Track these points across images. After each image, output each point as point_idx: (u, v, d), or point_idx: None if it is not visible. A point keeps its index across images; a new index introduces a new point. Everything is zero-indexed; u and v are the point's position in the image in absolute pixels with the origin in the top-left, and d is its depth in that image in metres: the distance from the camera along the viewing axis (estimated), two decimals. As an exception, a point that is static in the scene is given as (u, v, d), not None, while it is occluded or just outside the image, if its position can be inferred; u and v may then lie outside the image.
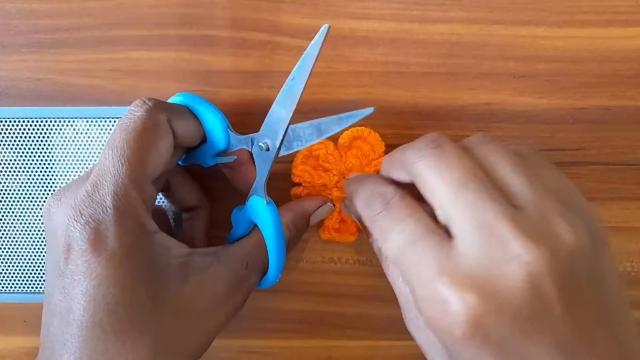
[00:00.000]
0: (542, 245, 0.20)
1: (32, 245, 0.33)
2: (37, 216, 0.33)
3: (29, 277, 0.34)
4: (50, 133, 0.32)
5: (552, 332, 0.20)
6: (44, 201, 0.33)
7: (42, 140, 0.32)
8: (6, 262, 0.34)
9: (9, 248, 0.33)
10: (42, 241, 0.33)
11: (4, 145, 0.32)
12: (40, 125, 0.32)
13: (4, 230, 0.33)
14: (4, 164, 0.32)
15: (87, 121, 0.32)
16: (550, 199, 0.21)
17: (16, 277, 0.34)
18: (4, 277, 0.34)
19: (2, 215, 0.33)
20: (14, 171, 0.32)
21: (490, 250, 0.20)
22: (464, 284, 0.20)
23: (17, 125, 0.32)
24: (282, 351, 0.35)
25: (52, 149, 0.32)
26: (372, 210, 0.24)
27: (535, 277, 0.20)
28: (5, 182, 0.32)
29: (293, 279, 0.34)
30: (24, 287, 0.34)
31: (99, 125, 0.32)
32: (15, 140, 0.32)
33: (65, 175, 0.32)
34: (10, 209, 0.33)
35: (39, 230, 0.33)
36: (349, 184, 0.28)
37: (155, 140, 0.25)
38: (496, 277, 0.20)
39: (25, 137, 0.32)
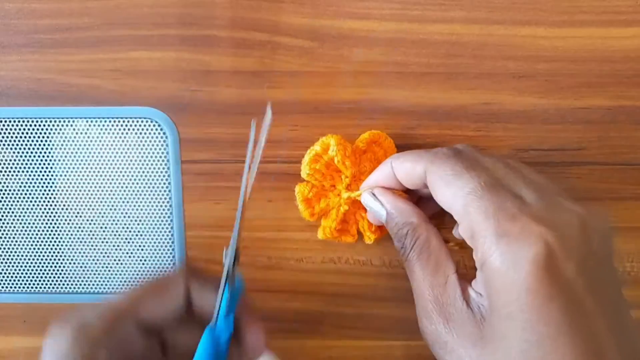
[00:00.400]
0: (583, 209, 0.24)
1: (32, 245, 0.33)
2: (37, 216, 0.33)
3: (29, 277, 0.34)
4: (50, 133, 0.32)
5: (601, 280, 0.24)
6: (44, 201, 0.33)
7: (42, 141, 0.32)
8: (6, 262, 0.34)
9: (9, 248, 0.34)
10: (42, 241, 0.33)
11: (4, 145, 0.32)
12: (40, 125, 0.32)
13: (4, 230, 0.33)
14: (4, 164, 0.32)
15: (87, 121, 0.32)
16: (554, 192, 0.26)
17: (16, 277, 0.34)
18: (4, 277, 0.34)
19: (2, 215, 0.33)
20: (14, 171, 0.32)
21: (552, 206, 0.24)
22: (541, 221, 0.23)
23: (17, 126, 0.32)
24: (282, 351, 0.35)
25: (52, 149, 0.32)
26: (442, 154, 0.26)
27: (586, 224, 0.24)
28: (5, 182, 0.32)
29: (293, 279, 0.34)
30: (24, 287, 0.34)
31: (98, 126, 0.32)
32: (15, 141, 0.32)
33: (65, 176, 0.32)
34: (10, 209, 0.33)
35: (39, 230, 0.33)
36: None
37: (162, 291, 0.26)
38: (561, 223, 0.23)
39: (25, 137, 0.32)
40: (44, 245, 0.33)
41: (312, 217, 0.31)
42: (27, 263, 0.34)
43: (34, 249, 0.33)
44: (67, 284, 0.34)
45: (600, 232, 0.24)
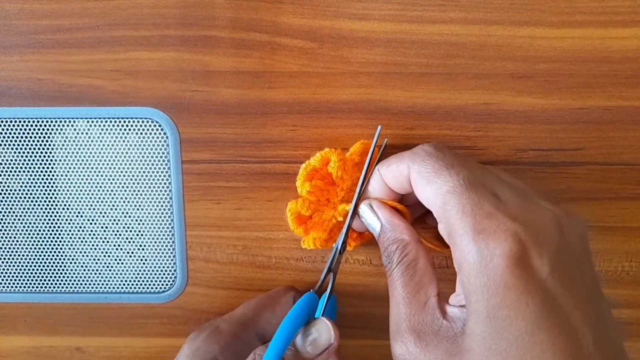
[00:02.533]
0: (559, 209, 0.25)
1: (33, 245, 0.34)
2: (38, 216, 0.33)
3: (30, 276, 0.34)
4: (50, 133, 0.32)
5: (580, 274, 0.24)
6: (45, 201, 0.33)
7: (42, 141, 0.32)
8: (7, 262, 0.34)
9: (10, 248, 0.34)
10: (43, 241, 0.33)
11: (5, 145, 0.32)
12: (41, 126, 0.32)
13: (5, 230, 0.33)
14: (5, 164, 0.32)
15: (88, 121, 0.32)
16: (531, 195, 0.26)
17: (17, 276, 0.34)
18: (5, 276, 0.34)
19: (4, 215, 0.33)
20: (15, 171, 0.32)
21: (527, 204, 0.24)
22: (516, 218, 0.23)
23: (18, 126, 0.32)
24: (282, 351, 0.35)
25: (52, 149, 0.32)
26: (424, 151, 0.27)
27: (561, 222, 0.24)
28: (6, 183, 0.33)
29: (293, 278, 0.34)
30: (25, 287, 0.34)
31: (99, 126, 0.32)
32: (16, 141, 0.32)
33: (66, 176, 0.32)
34: (11, 209, 0.33)
35: (40, 230, 0.33)
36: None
37: (275, 303, 0.32)
38: (536, 221, 0.24)
39: (26, 137, 0.32)
40: (45, 245, 0.34)
41: (306, 234, 0.31)
42: (28, 263, 0.34)
43: (35, 248, 0.34)
44: (68, 284, 0.34)
45: (575, 230, 0.25)
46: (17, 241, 0.33)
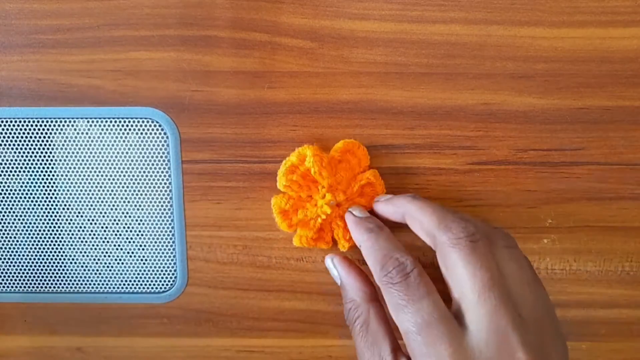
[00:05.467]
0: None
1: (33, 244, 0.34)
2: (38, 216, 0.33)
3: (30, 276, 0.34)
4: (51, 133, 0.32)
5: None
6: (45, 201, 0.33)
7: (43, 141, 0.32)
8: (7, 262, 0.34)
9: (10, 248, 0.34)
10: (43, 241, 0.33)
11: (5, 145, 0.32)
12: (41, 126, 0.32)
13: (5, 230, 0.33)
14: (5, 164, 0.32)
15: (88, 121, 0.32)
16: (547, 317, 0.26)
17: (17, 276, 0.34)
18: (5, 276, 0.34)
19: (3, 215, 0.33)
20: (15, 171, 0.32)
21: (500, 354, 0.23)
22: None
23: (18, 126, 0.32)
24: (282, 351, 0.35)
25: (53, 149, 0.32)
26: (389, 278, 0.26)
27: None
28: (6, 182, 0.33)
29: (293, 279, 0.34)
30: (25, 287, 0.34)
31: (99, 126, 0.32)
32: (16, 141, 0.32)
33: (66, 176, 0.32)
34: (11, 209, 0.33)
35: (40, 230, 0.33)
36: (356, 225, 0.30)
37: None
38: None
39: (26, 137, 0.32)
40: (45, 245, 0.33)
41: (290, 229, 0.32)
42: (28, 263, 0.34)
43: (35, 248, 0.34)
44: (68, 284, 0.34)
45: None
46: (17, 241, 0.33)
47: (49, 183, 0.33)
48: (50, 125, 0.32)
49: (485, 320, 0.24)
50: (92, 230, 0.33)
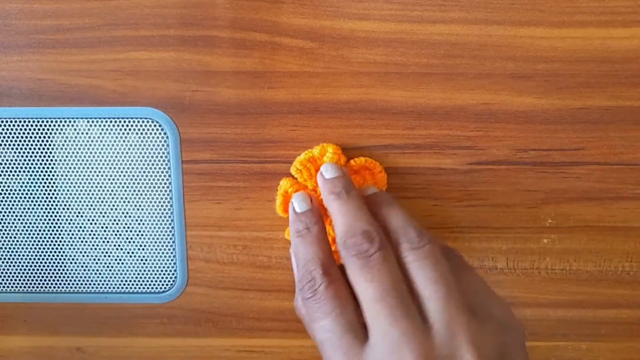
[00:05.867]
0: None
1: (33, 245, 0.34)
2: (38, 216, 0.33)
3: (30, 276, 0.34)
4: (51, 133, 0.32)
5: None
6: (45, 201, 0.33)
7: (43, 141, 0.32)
8: (7, 262, 0.34)
9: (10, 248, 0.34)
10: (43, 241, 0.33)
11: (5, 145, 0.32)
12: (41, 126, 0.32)
13: (5, 230, 0.33)
14: (5, 164, 0.32)
15: (88, 121, 0.32)
16: (461, 317, 0.24)
17: (17, 276, 0.34)
18: (5, 276, 0.34)
19: (4, 215, 0.33)
20: (15, 171, 0.32)
21: None
22: None
23: (18, 126, 0.32)
24: (282, 351, 0.35)
25: (53, 149, 0.32)
26: (303, 292, 0.26)
27: None
28: (6, 182, 0.33)
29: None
30: (25, 287, 0.34)
31: (100, 126, 0.32)
32: (16, 141, 0.32)
33: (66, 176, 0.32)
34: (11, 209, 0.33)
35: (40, 230, 0.33)
36: (293, 221, 0.30)
37: None
38: None
39: (26, 137, 0.32)
40: (45, 245, 0.34)
41: (285, 214, 0.31)
42: (28, 263, 0.34)
43: (35, 248, 0.34)
44: (68, 284, 0.34)
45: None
46: (17, 241, 0.33)
47: (49, 183, 0.33)
48: (50, 125, 0.32)
49: (380, 331, 0.24)
50: (92, 230, 0.33)
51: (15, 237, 0.33)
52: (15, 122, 0.32)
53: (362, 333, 0.24)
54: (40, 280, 0.34)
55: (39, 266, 0.34)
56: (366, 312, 0.24)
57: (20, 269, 0.34)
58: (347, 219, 0.27)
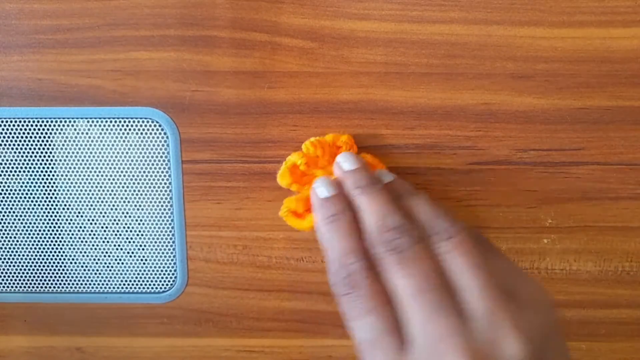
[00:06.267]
0: None
1: (33, 245, 0.34)
2: (38, 216, 0.33)
3: (30, 276, 0.34)
4: (51, 133, 0.32)
5: None
6: (45, 201, 0.33)
7: (43, 141, 0.32)
8: (7, 262, 0.34)
9: (10, 248, 0.34)
10: (43, 241, 0.33)
11: (5, 145, 0.32)
12: (41, 126, 0.32)
13: (5, 230, 0.33)
14: (5, 164, 0.32)
15: (88, 121, 0.32)
16: (501, 304, 0.23)
17: (17, 276, 0.34)
18: (5, 276, 0.34)
19: (4, 215, 0.33)
20: (15, 171, 0.32)
21: None
22: None
23: (18, 126, 0.32)
24: (282, 351, 0.35)
25: (53, 149, 0.32)
26: (338, 287, 0.25)
27: None
28: (6, 182, 0.33)
29: (293, 279, 0.34)
30: (25, 287, 0.34)
31: (100, 126, 0.32)
32: (16, 141, 0.32)
33: (66, 176, 0.32)
34: (11, 209, 0.33)
35: (40, 230, 0.33)
36: (319, 207, 0.28)
37: None
38: None
39: (26, 137, 0.32)
40: (45, 245, 0.34)
41: (284, 183, 0.31)
42: (28, 263, 0.34)
43: (35, 248, 0.34)
44: (68, 284, 0.34)
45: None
46: (17, 241, 0.33)
47: (49, 183, 0.33)
48: (50, 125, 0.32)
49: (421, 330, 0.23)
50: (92, 230, 0.33)
51: (15, 237, 0.33)
52: (15, 122, 0.32)
53: (401, 331, 0.24)
54: (40, 280, 0.34)
55: (39, 266, 0.34)
56: (404, 309, 0.24)
57: (20, 269, 0.34)
58: (378, 213, 0.26)
